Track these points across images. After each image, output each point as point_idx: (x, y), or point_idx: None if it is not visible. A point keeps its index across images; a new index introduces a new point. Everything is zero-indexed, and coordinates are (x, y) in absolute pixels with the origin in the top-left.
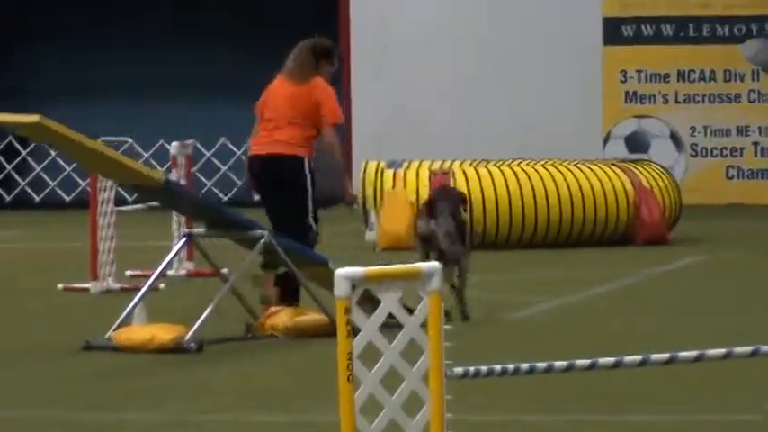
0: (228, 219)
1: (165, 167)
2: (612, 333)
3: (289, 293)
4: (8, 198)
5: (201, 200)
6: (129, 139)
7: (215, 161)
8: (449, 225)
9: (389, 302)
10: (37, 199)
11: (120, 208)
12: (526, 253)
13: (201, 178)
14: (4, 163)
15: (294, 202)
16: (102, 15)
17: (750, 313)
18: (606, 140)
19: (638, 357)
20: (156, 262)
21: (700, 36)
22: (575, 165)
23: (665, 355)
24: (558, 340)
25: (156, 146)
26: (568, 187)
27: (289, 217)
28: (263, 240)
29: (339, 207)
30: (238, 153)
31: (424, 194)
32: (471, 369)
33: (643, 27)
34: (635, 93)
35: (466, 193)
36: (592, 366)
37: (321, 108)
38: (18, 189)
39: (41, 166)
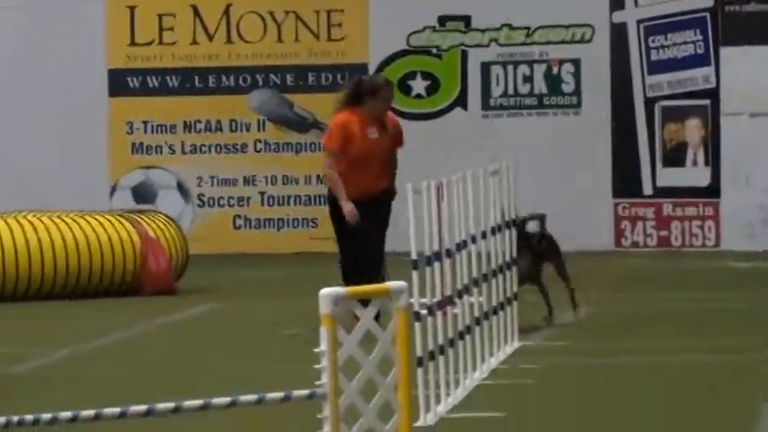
0: None
1: None
2: (122, 382)
3: None
4: None
5: None
6: None
7: None
8: None
9: None
10: None
11: None
12: (33, 306)
13: None
14: None
15: None
16: None
17: (259, 360)
18: (113, 191)
19: (170, 405)
20: None
21: (206, 87)
22: (80, 216)
23: (198, 402)
24: (64, 392)
25: None
26: (74, 238)
27: None
28: None
29: None
30: None
31: None
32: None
33: (149, 79)
34: (141, 144)
35: None
36: (97, 417)
37: None
38: None
39: None
